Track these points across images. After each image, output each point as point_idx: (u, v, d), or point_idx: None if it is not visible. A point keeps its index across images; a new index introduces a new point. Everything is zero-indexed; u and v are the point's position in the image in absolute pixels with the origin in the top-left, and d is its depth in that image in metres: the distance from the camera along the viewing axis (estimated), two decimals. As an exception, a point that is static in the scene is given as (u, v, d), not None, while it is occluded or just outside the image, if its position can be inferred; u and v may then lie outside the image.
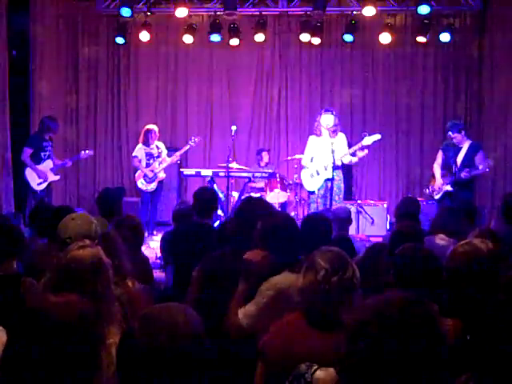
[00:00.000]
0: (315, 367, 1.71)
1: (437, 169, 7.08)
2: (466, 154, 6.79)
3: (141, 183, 8.10)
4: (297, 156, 8.23)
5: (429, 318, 1.42)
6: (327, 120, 7.13)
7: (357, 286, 2.13)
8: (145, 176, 8.08)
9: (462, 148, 6.84)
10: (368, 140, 7.06)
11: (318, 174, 7.23)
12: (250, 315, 2.66)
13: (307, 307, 2.17)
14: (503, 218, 4.38)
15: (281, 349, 2.12)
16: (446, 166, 6.96)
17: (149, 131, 8.10)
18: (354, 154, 7.20)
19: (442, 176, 6.96)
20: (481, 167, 6.65)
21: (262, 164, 8.96)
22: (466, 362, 1.74)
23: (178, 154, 8.21)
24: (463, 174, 6.66)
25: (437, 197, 6.99)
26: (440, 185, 6.93)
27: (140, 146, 8.15)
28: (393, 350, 1.36)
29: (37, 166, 7.42)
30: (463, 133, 6.87)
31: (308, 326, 2.12)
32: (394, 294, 1.52)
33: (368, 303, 1.48)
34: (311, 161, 7.36)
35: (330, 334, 2.02)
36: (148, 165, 8.10)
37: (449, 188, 6.84)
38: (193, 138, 8.17)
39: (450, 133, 6.89)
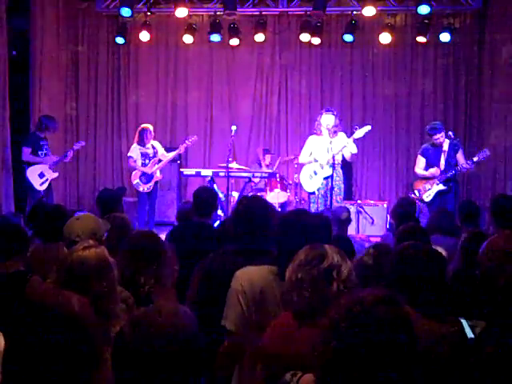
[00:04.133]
0: (300, 374, 1.72)
1: (421, 172, 7.04)
2: (448, 154, 6.83)
3: (137, 183, 7.95)
4: (292, 157, 8.24)
5: (398, 316, 1.43)
6: (328, 120, 7.13)
7: (336, 279, 2.10)
8: (141, 176, 7.94)
9: (442, 148, 6.86)
10: (359, 133, 7.06)
11: (316, 173, 7.24)
12: (230, 316, 2.53)
13: (292, 305, 2.18)
14: (493, 220, 4.36)
15: (274, 350, 2.13)
16: (433, 167, 6.93)
17: (144, 130, 7.92)
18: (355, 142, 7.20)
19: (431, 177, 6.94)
20: (475, 158, 6.70)
21: (263, 164, 8.95)
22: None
23: (173, 153, 8.04)
24: (466, 166, 6.69)
25: (428, 199, 6.89)
26: (432, 184, 6.88)
27: (135, 145, 7.98)
28: (364, 346, 1.37)
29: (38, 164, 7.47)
30: (444, 133, 6.90)
31: (297, 324, 2.13)
32: (366, 291, 1.53)
33: (341, 302, 1.49)
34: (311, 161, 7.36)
35: (317, 328, 2.03)
36: (144, 165, 7.92)
37: (441, 187, 6.83)
38: (190, 137, 8.05)
39: (430, 134, 6.88)
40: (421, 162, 7.08)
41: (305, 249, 2.20)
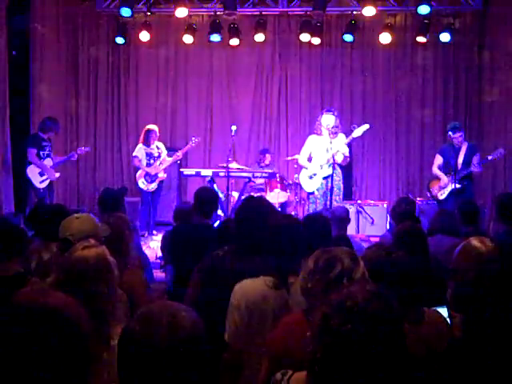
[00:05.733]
0: (290, 373, 1.73)
1: (438, 171, 7.18)
2: (465, 155, 6.95)
3: (142, 183, 8.14)
4: (296, 156, 8.25)
5: (389, 311, 1.43)
6: (328, 120, 7.14)
7: (347, 286, 2.08)
8: (145, 176, 8.11)
9: (461, 149, 6.99)
10: (358, 132, 7.10)
11: (315, 174, 7.26)
12: (228, 329, 2.60)
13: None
14: (499, 218, 4.38)
15: (282, 347, 2.13)
16: (448, 166, 7.03)
17: (149, 131, 8.14)
18: (349, 145, 7.24)
19: (446, 175, 7.02)
20: (490, 157, 6.88)
21: (263, 164, 8.96)
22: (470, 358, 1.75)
23: (178, 154, 8.22)
24: (473, 169, 6.81)
25: (442, 197, 7.03)
26: (447, 183, 6.96)
27: (140, 145, 8.19)
28: (355, 341, 1.37)
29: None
30: (463, 134, 7.05)
31: (307, 321, 2.13)
32: (356, 287, 1.52)
33: (331, 298, 1.49)
34: (309, 161, 7.37)
35: None
36: (148, 165, 8.15)
37: (457, 186, 6.89)
38: (193, 138, 8.20)
39: (450, 133, 6.99)
40: (438, 160, 7.22)
41: (315, 254, 2.15)
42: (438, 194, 7.08)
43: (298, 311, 2.24)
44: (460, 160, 6.94)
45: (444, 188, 7.02)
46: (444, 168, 7.12)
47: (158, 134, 8.22)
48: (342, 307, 1.42)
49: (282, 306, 2.53)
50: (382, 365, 1.37)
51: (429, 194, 7.29)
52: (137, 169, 8.23)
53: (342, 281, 2.05)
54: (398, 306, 1.47)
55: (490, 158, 6.91)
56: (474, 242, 2.61)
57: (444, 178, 7.04)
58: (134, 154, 8.26)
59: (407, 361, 1.42)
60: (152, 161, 8.16)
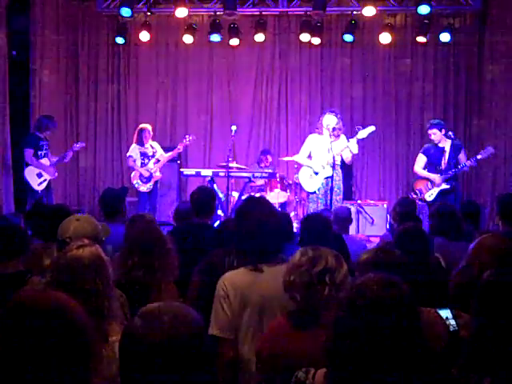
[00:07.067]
0: (313, 371, 1.71)
1: (423, 171, 7.01)
2: (450, 154, 6.82)
3: (137, 183, 8.01)
4: (294, 158, 8.20)
5: (403, 298, 1.42)
6: (328, 120, 7.12)
7: (329, 284, 2.07)
8: (140, 176, 8.00)
9: (444, 148, 6.85)
10: (363, 133, 7.04)
11: (317, 173, 7.22)
12: (217, 323, 2.51)
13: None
14: (500, 218, 4.37)
15: (269, 353, 2.13)
16: (433, 166, 6.92)
17: (142, 130, 8.00)
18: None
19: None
20: (479, 156, 6.71)
21: (262, 165, 8.95)
22: (480, 358, 1.75)
23: (171, 153, 8.10)
24: (468, 163, 6.69)
25: (430, 198, 6.85)
26: (440, 183, 6.86)
27: (134, 145, 8.05)
28: (371, 341, 1.37)
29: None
30: (443, 132, 6.86)
31: (291, 327, 2.14)
32: (365, 280, 1.51)
33: (343, 297, 1.48)
34: (309, 159, 7.35)
35: (310, 332, 2.04)
36: (143, 164, 8.00)
37: (444, 186, 6.81)
38: (187, 136, 8.10)
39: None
40: (421, 160, 7.06)
41: (301, 250, 2.19)
42: (426, 196, 6.88)
43: (282, 315, 2.24)
44: (445, 160, 6.83)
45: (431, 189, 6.86)
46: (428, 168, 6.96)
47: (151, 133, 8.07)
48: (354, 308, 1.42)
49: (270, 288, 2.49)
50: (403, 355, 1.37)
51: (414, 196, 6.91)
52: (132, 169, 8.14)
53: (324, 278, 2.08)
54: (410, 290, 1.46)
55: (479, 157, 6.71)
56: (491, 238, 2.60)
57: (435, 177, 6.85)
58: (128, 154, 8.13)
59: (425, 347, 1.41)
60: (146, 160, 8.01)
